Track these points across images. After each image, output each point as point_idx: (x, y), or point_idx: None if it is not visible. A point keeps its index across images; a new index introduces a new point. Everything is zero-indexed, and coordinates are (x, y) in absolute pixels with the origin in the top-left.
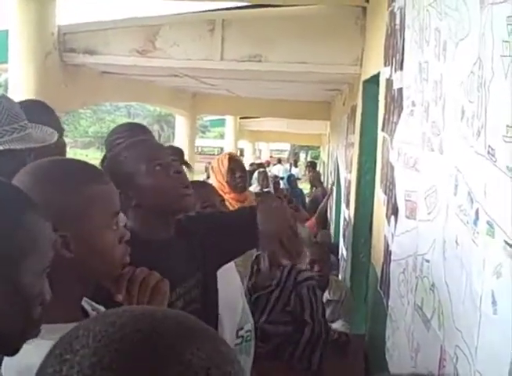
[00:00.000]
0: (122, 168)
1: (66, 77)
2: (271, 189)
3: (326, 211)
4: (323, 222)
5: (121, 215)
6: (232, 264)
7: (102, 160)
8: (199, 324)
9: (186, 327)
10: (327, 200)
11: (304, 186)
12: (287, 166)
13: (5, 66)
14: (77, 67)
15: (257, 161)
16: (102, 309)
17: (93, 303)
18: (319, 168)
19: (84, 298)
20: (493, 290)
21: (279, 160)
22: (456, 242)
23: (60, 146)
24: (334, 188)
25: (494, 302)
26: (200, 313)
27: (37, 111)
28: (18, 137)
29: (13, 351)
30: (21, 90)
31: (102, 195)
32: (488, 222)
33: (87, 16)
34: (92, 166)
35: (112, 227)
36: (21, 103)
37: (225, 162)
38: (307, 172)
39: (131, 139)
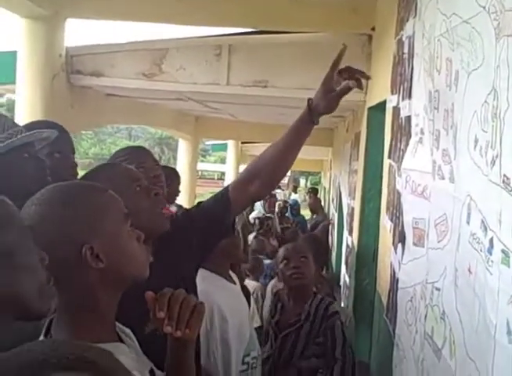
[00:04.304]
0: None
1: (73, 99)
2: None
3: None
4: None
5: None
6: (239, 290)
7: None
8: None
9: None
10: (324, 230)
11: (304, 212)
12: (287, 192)
13: (11, 87)
14: (84, 89)
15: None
16: (127, 330)
17: (120, 325)
18: (320, 193)
19: None
20: (508, 319)
21: (279, 186)
22: (469, 270)
23: (73, 166)
24: (335, 220)
25: (509, 332)
26: None
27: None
28: (24, 136)
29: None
30: (28, 111)
31: (110, 201)
32: (503, 251)
33: (95, 38)
34: (92, 182)
35: (128, 229)
36: (31, 123)
37: None
38: (307, 198)
39: (109, 162)
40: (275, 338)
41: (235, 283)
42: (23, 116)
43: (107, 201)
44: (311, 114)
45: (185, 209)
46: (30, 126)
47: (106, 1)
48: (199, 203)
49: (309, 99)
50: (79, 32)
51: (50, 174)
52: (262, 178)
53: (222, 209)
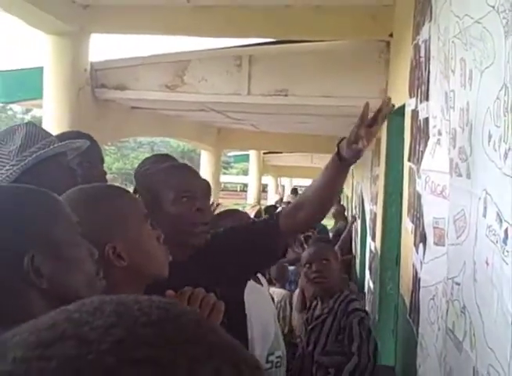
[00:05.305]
0: (154, 191)
1: (98, 113)
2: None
3: (350, 240)
4: (347, 250)
5: None
6: (265, 288)
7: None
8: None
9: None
10: (350, 226)
11: (326, 222)
12: None
13: (39, 102)
14: (108, 103)
15: (286, 200)
16: None
17: None
18: (343, 202)
19: None
20: None
21: None
22: (486, 262)
23: (102, 174)
24: (358, 219)
25: None
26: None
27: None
28: (57, 146)
29: None
30: (55, 124)
31: (131, 202)
32: None
33: (118, 52)
34: (113, 185)
35: (148, 229)
36: (63, 133)
37: None
38: None
39: (173, 163)
40: (306, 332)
41: (261, 285)
42: (50, 129)
43: (128, 203)
44: (341, 159)
45: (231, 227)
46: (62, 136)
47: (129, 15)
48: (249, 223)
49: (339, 142)
50: (103, 46)
51: (80, 182)
52: (308, 208)
53: (271, 234)
